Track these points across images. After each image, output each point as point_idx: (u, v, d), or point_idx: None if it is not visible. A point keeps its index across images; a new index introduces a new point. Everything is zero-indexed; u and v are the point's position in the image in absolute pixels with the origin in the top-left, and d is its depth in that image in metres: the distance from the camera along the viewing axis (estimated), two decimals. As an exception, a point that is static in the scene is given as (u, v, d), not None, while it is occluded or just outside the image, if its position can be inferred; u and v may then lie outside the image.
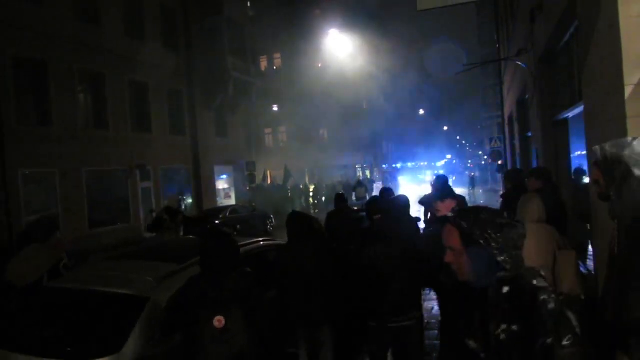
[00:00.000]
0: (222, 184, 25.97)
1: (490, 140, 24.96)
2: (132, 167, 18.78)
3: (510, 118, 15.56)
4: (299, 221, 4.13)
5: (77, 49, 16.41)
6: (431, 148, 59.87)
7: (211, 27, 23.38)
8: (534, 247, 3.24)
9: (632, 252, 2.13)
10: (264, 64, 42.37)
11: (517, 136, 13.51)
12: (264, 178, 32.03)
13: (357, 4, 38.79)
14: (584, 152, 4.92)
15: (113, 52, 17.92)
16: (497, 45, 18.85)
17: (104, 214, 17.31)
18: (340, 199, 7.01)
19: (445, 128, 75.91)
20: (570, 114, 5.79)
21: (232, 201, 25.11)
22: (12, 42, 14.26)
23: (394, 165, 47.14)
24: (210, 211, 17.63)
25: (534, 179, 4.67)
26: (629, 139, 2.20)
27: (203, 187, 22.97)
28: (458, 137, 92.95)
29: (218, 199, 24.68)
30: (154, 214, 18.83)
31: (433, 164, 53.65)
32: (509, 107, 16.14)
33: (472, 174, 35.72)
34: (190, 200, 22.14)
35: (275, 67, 43.90)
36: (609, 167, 2.21)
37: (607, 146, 2.27)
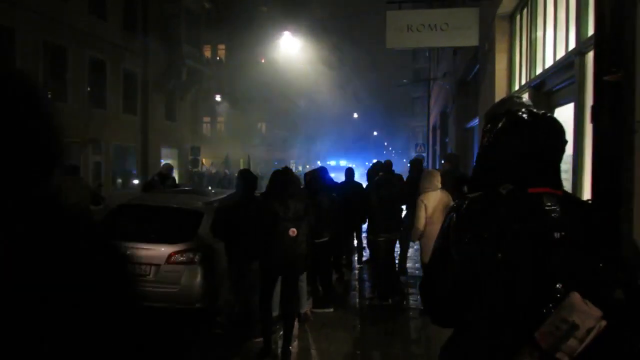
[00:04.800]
0: (166, 165, 26.94)
1: (416, 146, 28.02)
2: (85, 140, 19.55)
3: (434, 126, 18.45)
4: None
5: (43, 21, 17.05)
6: (361, 151, 63.54)
7: (169, 14, 24.46)
8: (441, 205, 5.40)
9: None
10: (207, 53, 43.21)
11: (438, 142, 16.33)
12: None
13: (305, 8, 40.80)
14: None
15: (76, 28, 18.65)
16: (429, 64, 21.82)
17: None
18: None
19: (375, 133, 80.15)
20: (474, 124, 8.31)
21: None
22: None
23: (327, 163, 49.81)
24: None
25: (446, 162, 7.01)
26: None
27: (150, 167, 23.95)
28: (385, 143, 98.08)
29: (162, 179, 25.68)
30: (102, 187, 19.77)
31: (367, 163, 56.75)
32: (434, 117, 19.06)
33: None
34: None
35: (218, 58, 44.96)
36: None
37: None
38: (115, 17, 21.24)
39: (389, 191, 6.16)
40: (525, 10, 4.65)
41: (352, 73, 58.29)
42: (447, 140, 13.03)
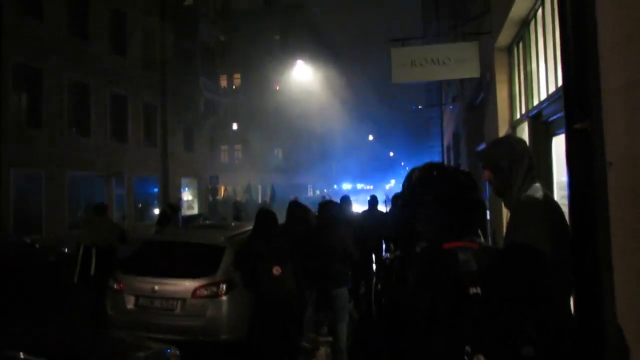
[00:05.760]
0: (186, 195, 27.57)
1: (432, 166, 28.04)
2: (109, 174, 20.19)
3: (449, 147, 18.60)
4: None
5: (67, 61, 17.86)
6: (377, 172, 63.82)
7: (186, 49, 25.37)
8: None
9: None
10: (223, 82, 44.30)
11: (452, 162, 16.46)
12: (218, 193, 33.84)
13: (318, 36, 41.62)
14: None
15: (98, 65, 19.49)
16: (441, 85, 22.08)
17: (81, 216, 18.57)
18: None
19: (392, 154, 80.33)
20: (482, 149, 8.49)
21: (195, 212, 26.74)
22: (15, 50, 15.65)
23: (342, 187, 50.06)
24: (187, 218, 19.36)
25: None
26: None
27: (171, 198, 24.50)
28: (402, 163, 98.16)
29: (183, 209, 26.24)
30: (125, 220, 20.15)
31: (386, 187, 56.91)
32: (447, 137, 19.22)
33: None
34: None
35: (234, 87, 46.05)
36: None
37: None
38: (135, 54, 22.13)
39: None
40: (520, 44, 4.90)
41: (367, 95, 58.98)
42: (460, 162, 13.17)
